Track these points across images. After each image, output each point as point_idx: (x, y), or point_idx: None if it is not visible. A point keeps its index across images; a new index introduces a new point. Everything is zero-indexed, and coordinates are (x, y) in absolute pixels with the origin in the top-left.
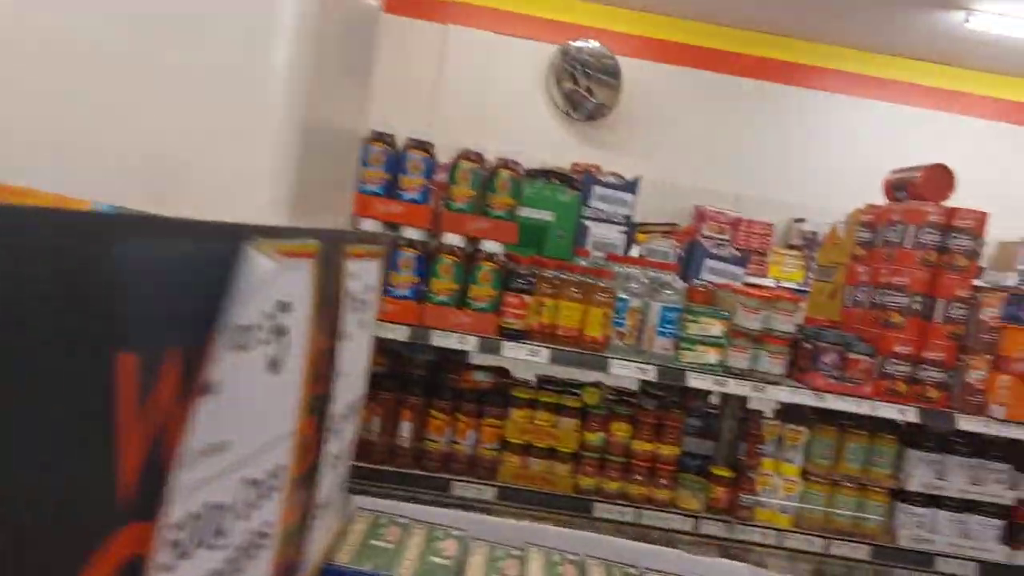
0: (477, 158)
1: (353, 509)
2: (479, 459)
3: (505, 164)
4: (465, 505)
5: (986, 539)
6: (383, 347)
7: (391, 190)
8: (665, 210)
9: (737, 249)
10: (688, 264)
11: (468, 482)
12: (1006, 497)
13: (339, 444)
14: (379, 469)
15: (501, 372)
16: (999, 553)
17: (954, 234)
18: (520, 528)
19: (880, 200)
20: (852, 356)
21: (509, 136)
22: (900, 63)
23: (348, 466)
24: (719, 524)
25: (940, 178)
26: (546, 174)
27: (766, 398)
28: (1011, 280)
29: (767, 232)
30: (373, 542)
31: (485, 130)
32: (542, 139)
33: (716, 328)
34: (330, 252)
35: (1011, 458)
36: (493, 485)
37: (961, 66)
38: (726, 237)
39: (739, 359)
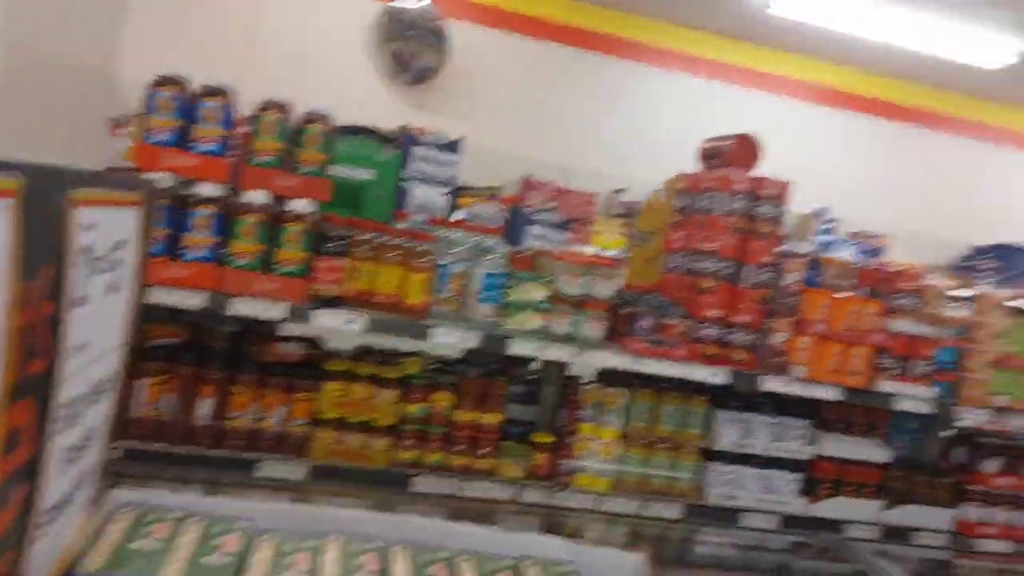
0: (283, 109)
1: (114, 504)
2: (288, 436)
3: (315, 117)
4: (275, 486)
5: (787, 492)
6: (178, 317)
7: (183, 141)
8: (491, 179)
9: (560, 216)
10: (511, 229)
11: (276, 460)
12: (805, 452)
13: (80, 432)
14: (174, 452)
15: (313, 343)
16: (798, 505)
17: (760, 202)
18: (318, 514)
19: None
20: (667, 321)
21: (330, 97)
22: (713, 41)
23: (101, 456)
24: (540, 491)
25: (748, 147)
26: (362, 131)
27: (586, 363)
28: (805, 248)
29: (591, 202)
30: (135, 543)
31: (305, 90)
32: (365, 101)
33: (539, 294)
34: (44, 194)
35: (810, 415)
36: (304, 463)
37: (766, 47)
38: (552, 205)
39: (561, 325)
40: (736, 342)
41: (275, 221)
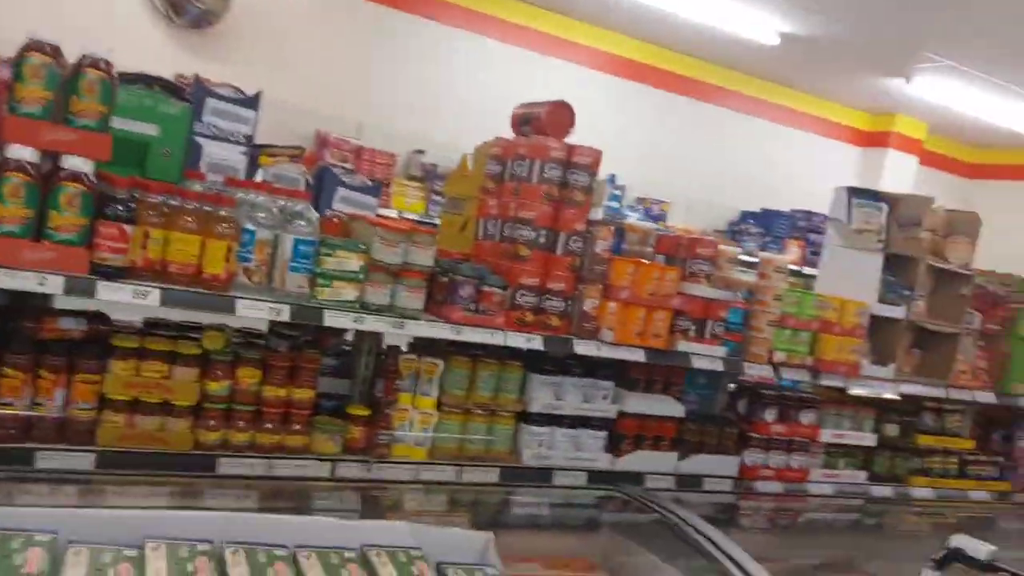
0: (52, 52)
1: None
2: (72, 422)
3: (92, 63)
4: (60, 479)
5: (594, 450)
6: None
7: None
8: (283, 134)
9: (368, 179)
10: (319, 193)
11: (57, 450)
12: (610, 411)
13: None
14: None
15: (99, 318)
16: (604, 461)
17: (573, 170)
18: (135, 518)
19: (502, 134)
20: (486, 289)
21: (96, 40)
22: (510, 4)
23: None
24: (357, 465)
25: (561, 115)
26: (145, 80)
27: (406, 335)
28: (599, 214)
29: (390, 163)
30: None
31: (63, 28)
32: (137, 43)
33: (354, 262)
34: None
35: (616, 376)
36: (91, 451)
37: (571, 16)
38: (350, 166)
39: (377, 294)
40: (551, 308)
41: (47, 181)
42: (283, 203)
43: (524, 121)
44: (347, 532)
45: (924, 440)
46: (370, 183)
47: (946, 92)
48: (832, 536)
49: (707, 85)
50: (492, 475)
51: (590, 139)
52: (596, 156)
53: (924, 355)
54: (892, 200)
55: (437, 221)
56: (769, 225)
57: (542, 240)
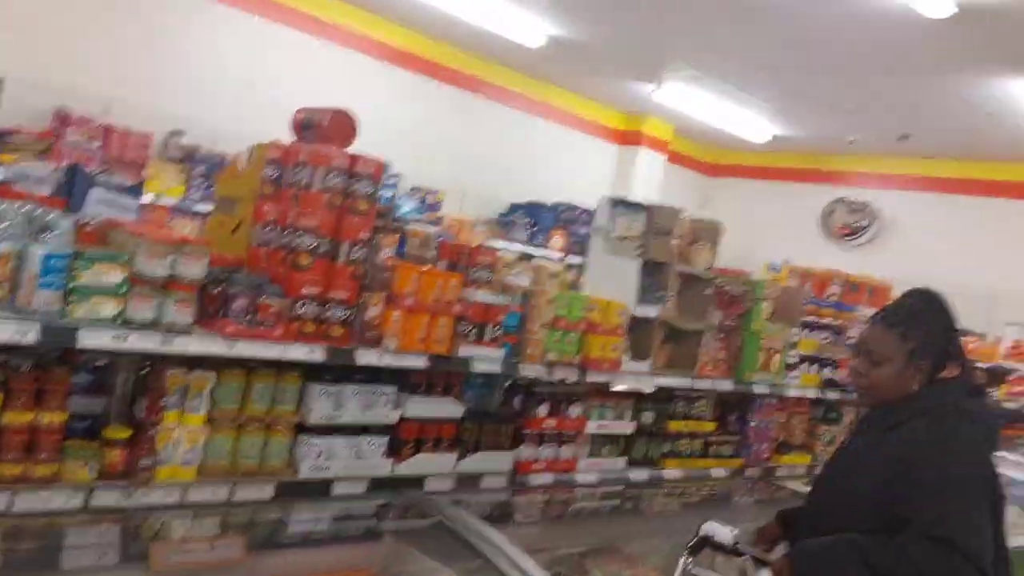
0: None
1: None
2: None
3: None
4: None
5: (375, 456)
6: None
7: None
8: (20, 113)
9: (126, 178)
10: (69, 193)
11: None
12: (391, 416)
13: None
14: None
15: None
16: (385, 467)
17: (357, 180)
18: None
19: (268, 118)
20: (263, 300)
21: None
22: None
23: None
24: (117, 492)
25: (344, 123)
26: None
27: (175, 351)
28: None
29: (145, 143)
30: None
31: None
32: None
33: (114, 275)
34: None
35: (396, 380)
36: None
37: (348, 3)
38: (97, 145)
39: (142, 309)
40: (333, 318)
41: None
42: (30, 208)
43: (306, 126)
44: None
45: (674, 425)
46: (129, 184)
47: (689, 99)
48: (598, 522)
49: (480, 80)
50: (267, 491)
51: (366, 126)
52: (379, 166)
53: (674, 349)
54: (649, 209)
55: (200, 208)
56: (536, 216)
57: (325, 249)
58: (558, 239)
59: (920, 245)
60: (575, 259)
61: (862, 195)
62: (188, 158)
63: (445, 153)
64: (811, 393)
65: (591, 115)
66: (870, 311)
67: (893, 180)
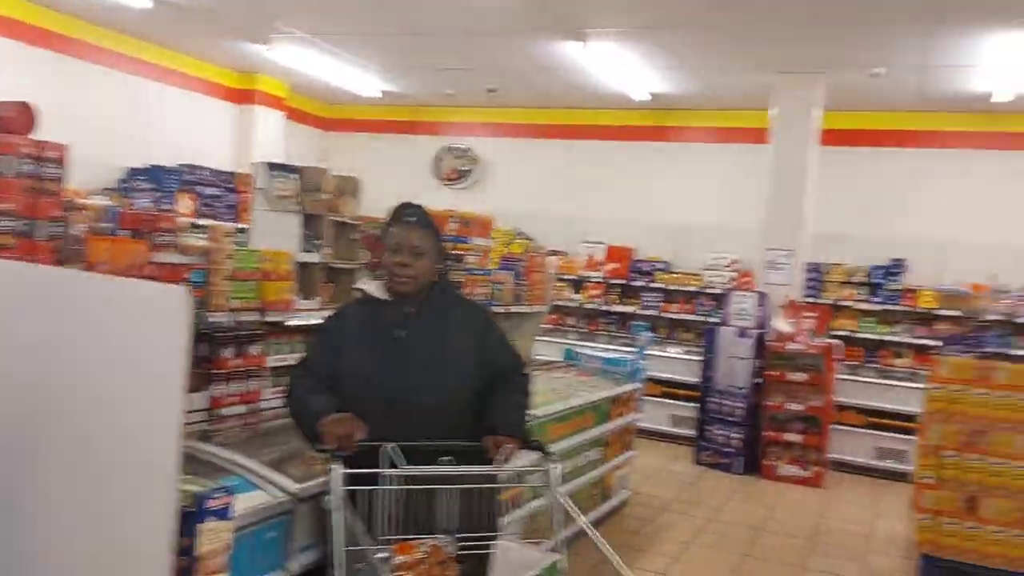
0: None
1: None
2: None
3: None
4: None
5: None
6: None
7: None
8: None
9: None
10: None
11: None
12: None
13: None
14: None
15: None
16: None
17: (45, 164)
18: None
19: None
20: None
21: None
22: None
23: None
24: None
25: (24, 114)
26: None
27: None
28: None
29: None
30: None
31: None
32: None
33: None
34: None
35: None
36: None
37: None
38: None
39: None
40: None
41: None
42: None
43: None
44: None
45: None
46: None
47: (300, 58)
48: (287, 435)
49: (86, 44)
50: None
51: None
52: (63, 150)
53: (335, 287)
54: (301, 171)
55: None
56: (159, 180)
57: (23, 228)
58: (188, 202)
59: (512, 183)
60: (207, 222)
61: (464, 143)
62: None
63: (54, 122)
64: None
65: (205, 75)
66: (481, 241)
67: (488, 128)
